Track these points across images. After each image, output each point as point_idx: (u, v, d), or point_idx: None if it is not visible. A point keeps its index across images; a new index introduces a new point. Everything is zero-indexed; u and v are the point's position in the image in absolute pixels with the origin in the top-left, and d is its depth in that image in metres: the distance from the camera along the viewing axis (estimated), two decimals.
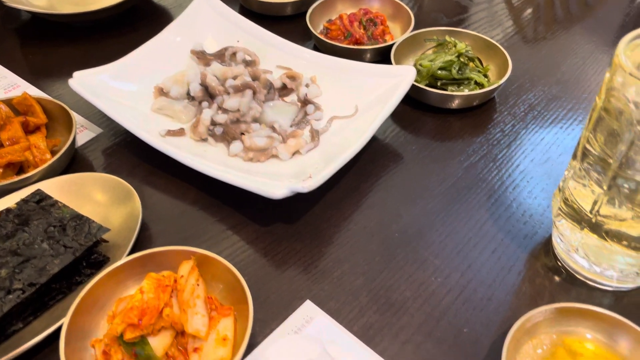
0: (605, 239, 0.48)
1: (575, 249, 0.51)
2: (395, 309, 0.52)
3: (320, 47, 0.81)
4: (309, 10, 0.83)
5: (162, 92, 0.70)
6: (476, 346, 0.49)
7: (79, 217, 0.54)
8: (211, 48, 0.77)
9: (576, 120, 0.71)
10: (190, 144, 0.66)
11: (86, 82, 0.67)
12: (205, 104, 0.69)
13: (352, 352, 0.48)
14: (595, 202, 0.47)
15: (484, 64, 0.75)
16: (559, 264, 0.55)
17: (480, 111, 0.73)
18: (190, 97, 0.70)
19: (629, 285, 0.52)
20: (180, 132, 0.66)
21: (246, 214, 0.60)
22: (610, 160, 0.44)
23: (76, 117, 0.66)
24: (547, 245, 0.57)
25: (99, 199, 0.59)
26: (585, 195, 0.48)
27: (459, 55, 0.73)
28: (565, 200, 0.51)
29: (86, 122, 0.72)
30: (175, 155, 0.61)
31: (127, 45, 0.76)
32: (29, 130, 0.65)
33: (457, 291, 0.53)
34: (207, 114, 0.66)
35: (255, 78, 0.71)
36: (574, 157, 0.49)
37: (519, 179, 0.64)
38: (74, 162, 0.66)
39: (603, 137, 0.45)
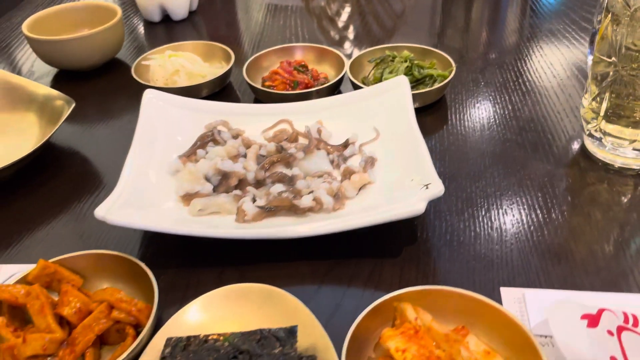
0: None
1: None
2: None
3: (267, 101, 0.81)
4: (244, 69, 0.83)
5: (189, 196, 0.62)
6: None
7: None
8: (189, 140, 0.71)
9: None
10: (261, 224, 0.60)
11: (115, 212, 0.56)
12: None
13: None
14: None
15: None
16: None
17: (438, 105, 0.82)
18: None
19: None
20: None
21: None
22: None
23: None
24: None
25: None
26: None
27: (409, 60, 0.81)
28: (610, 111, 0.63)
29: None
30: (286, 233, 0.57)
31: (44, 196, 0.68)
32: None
33: None
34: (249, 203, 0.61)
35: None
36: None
37: None
38: None
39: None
